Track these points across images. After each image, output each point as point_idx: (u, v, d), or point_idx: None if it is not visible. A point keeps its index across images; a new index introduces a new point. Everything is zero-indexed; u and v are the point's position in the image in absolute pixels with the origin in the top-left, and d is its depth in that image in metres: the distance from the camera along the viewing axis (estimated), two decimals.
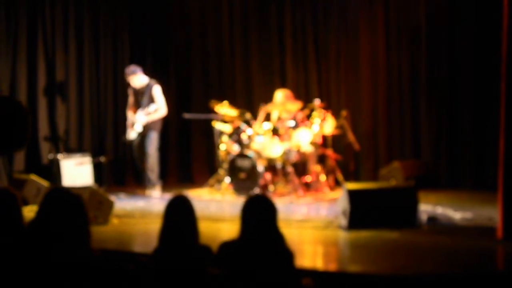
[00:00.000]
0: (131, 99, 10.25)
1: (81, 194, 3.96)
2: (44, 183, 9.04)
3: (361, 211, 7.09)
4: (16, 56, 10.71)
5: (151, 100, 10.00)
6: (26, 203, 8.19)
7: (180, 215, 4.10)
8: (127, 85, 10.30)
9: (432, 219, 7.46)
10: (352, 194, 7.14)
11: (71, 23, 11.31)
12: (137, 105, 10.13)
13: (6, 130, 3.07)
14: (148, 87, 10.05)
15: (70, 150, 10.98)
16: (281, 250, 4.09)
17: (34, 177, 9.17)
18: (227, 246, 4.12)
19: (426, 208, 7.98)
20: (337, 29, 11.14)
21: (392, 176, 9.81)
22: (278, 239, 4.10)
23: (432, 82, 10.39)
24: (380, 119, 10.84)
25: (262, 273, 3.97)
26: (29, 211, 3.75)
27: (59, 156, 10.39)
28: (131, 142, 10.24)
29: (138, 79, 10.08)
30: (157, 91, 10.05)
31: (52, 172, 10.22)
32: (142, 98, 10.06)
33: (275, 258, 4.04)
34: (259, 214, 4.10)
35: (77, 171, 10.27)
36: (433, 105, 10.41)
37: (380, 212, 7.14)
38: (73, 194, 3.82)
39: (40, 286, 3.55)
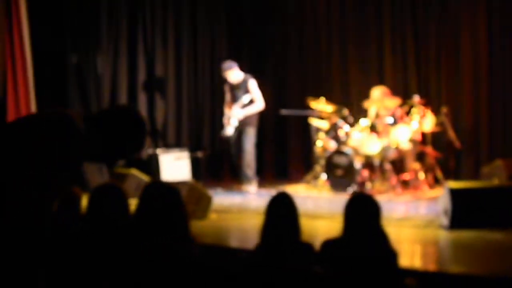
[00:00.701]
0: (227, 96, 10.30)
1: (180, 188, 3.99)
2: (145, 177, 9.17)
3: (463, 211, 6.88)
4: (117, 53, 10.95)
5: (247, 94, 10.05)
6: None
7: (282, 212, 4.09)
8: (224, 81, 10.37)
9: None
10: (454, 193, 6.94)
11: (170, 20, 11.51)
12: (234, 101, 10.16)
13: (122, 143, 3.09)
14: (244, 82, 10.08)
15: (168, 145, 11.16)
16: (385, 249, 4.02)
17: (135, 171, 9.30)
18: (330, 244, 4.08)
19: None
20: (437, 23, 10.82)
21: (495, 174, 9.48)
22: (382, 237, 4.03)
23: None
24: (481, 116, 10.50)
25: (366, 271, 3.91)
26: (131, 205, 3.85)
27: (158, 151, 10.56)
28: (228, 138, 10.28)
29: (234, 74, 10.12)
30: (253, 84, 10.07)
31: (151, 166, 10.38)
32: (238, 93, 10.09)
33: (379, 257, 3.98)
34: (363, 212, 4.05)
35: (175, 166, 10.39)
36: None
37: (483, 212, 6.90)
38: (171, 188, 3.86)
39: (145, 276, 3.60)
